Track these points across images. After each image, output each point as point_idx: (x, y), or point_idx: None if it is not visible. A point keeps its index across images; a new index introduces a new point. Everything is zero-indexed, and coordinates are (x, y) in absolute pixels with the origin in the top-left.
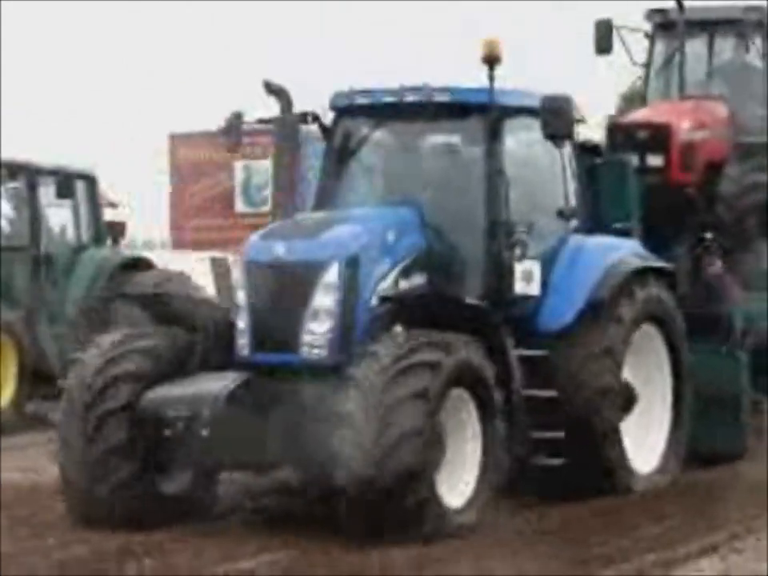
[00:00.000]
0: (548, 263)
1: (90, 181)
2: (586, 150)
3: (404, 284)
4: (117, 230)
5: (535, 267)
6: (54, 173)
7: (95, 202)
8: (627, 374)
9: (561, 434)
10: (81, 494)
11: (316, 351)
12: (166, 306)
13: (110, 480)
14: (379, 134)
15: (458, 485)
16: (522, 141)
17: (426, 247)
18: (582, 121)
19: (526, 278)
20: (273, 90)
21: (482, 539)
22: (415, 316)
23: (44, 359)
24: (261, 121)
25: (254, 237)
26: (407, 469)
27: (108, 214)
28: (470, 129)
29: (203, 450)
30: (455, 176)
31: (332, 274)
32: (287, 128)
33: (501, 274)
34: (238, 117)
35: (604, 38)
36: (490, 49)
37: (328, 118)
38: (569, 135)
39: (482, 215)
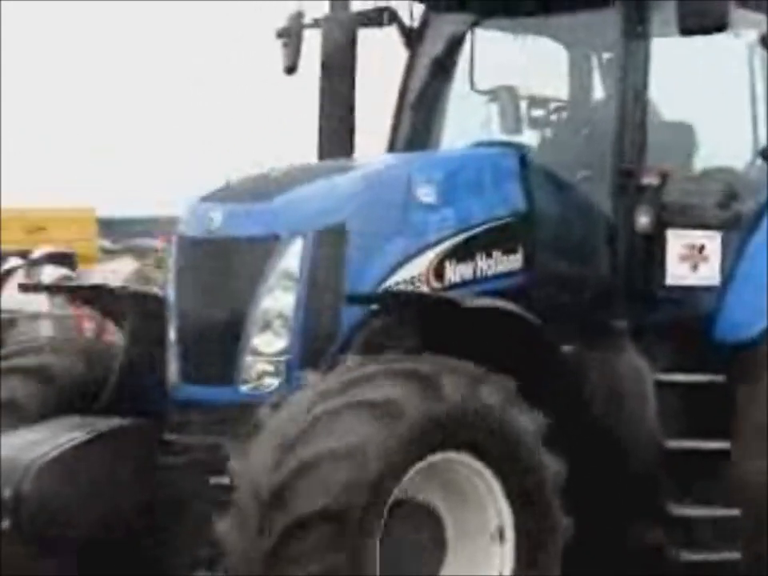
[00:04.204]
0: (737, 237)
1: None
2: None
3: (462, 270)
4: None
5: (712, 243)
6: None
7: None
8: None
9: (736, 512)
10: None
11: (266, 383)
12: (115, 303)
13: None
14: (480, 38)
15: None
16: (681, 44)
17: (526, 211)
18: None
19: (692, 260)
20: None
21: None
22: (421, 328)
23: None
24: (314, 23)
25: (191, 199)
26: None
27: None
28: (597, 26)
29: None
30: (577, 97)
31: (292, 257)
32: (341, 32)
33: (639, 253)
34: (299, 17)
35: None
36: None
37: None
38: (719, 27)
39: (608, 159)
